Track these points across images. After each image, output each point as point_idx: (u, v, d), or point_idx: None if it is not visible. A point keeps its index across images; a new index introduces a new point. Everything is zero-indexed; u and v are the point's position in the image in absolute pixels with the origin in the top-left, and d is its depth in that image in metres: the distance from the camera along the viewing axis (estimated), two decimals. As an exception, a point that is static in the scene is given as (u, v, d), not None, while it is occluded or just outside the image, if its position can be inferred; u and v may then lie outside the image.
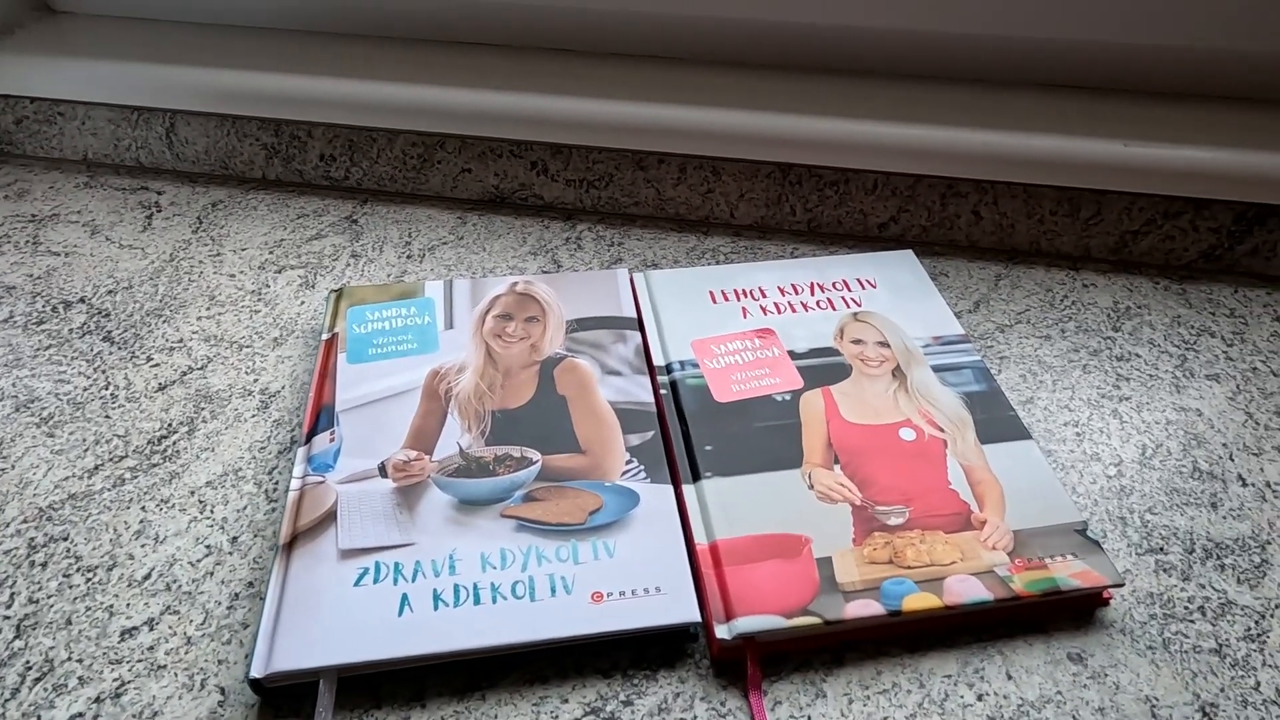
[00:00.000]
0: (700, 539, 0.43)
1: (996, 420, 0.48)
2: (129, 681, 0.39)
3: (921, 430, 0.48)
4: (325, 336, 0.53)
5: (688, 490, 0.45)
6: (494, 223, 0.68)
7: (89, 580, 0.43)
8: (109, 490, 0.47)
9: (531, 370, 0.51)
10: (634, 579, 0.40)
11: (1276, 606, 0.42)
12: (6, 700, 0.38)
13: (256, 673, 0.37)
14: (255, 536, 0.45)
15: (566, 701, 0.38)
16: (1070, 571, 0.41)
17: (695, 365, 0.52)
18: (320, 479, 0.45)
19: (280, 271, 0.62)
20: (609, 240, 0.66)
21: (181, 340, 0.56)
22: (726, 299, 0.56)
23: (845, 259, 0.60)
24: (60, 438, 0.50)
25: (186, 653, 0.40)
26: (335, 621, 0.39)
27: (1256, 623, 0.42)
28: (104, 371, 0.54)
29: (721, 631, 0.39)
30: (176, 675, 0.39)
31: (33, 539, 0.44)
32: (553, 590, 0.40)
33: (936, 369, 0.51)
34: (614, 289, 0.57)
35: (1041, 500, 0.44)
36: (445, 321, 0.54)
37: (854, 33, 0.65)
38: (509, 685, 0.39)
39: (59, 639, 0.40)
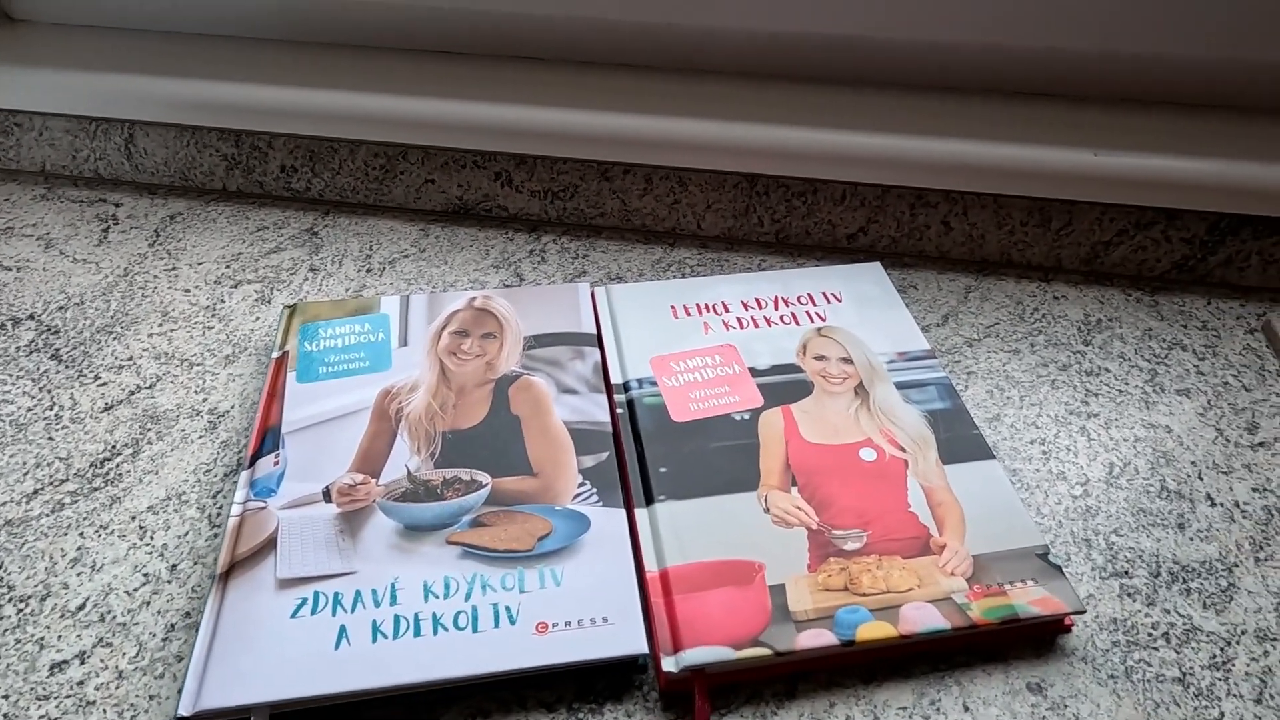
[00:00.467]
0: (651, 566, 0.41)
1: (960, 439, 0.47)
2: (56, 719, 0.37)
3: (883, 450, 0.46)
4: (276, 355, 0.52)
5: (640, 514, 0.44)
6: (457, 235, 0.67)
7: (20, 611, 0.41)
8: (47, 516, 0.46)
9: (486, 389, 0.50)
10: (581, 608, 0.39)
11: (1242, 633, 0.41)
12: (-72, 739, 0.37)
13: (184, 710, 0.35)
14: (195, 564, 0.44)
15: (509, 737, 0.37)
16: (1030, 598, 0.40)
17: (654, 383, 0.50)
18: (262, 504, 0.44)
19: (236, 286, 0.61)
20: (574, 252, 0.65)
21: (131, 358, 0.55)
22: (689, 314, 0.55)
23: (811, 272, 0.59)
24: (0, 460, 0.48)
25: (117, 688, 0.39)
26: (270, 655, 0.37)
27: (1221, 650, 0.41)
28: (50, 391, 0.53)
29: (668, 664, 0.38)
30: (105, 712, 0.38)
31: (-35, 568, 0.43)
32: (496, 621, 0.39)
33: (900, 386, 0.50)
34: (575, 304, 0.56)
35: (1003, 523, 0.43)
36: (400, 338, 0.53)
37: (821, 41, 0.64)
38: (450, 720, 0.38)
39: (-14, 673, 0.39)
